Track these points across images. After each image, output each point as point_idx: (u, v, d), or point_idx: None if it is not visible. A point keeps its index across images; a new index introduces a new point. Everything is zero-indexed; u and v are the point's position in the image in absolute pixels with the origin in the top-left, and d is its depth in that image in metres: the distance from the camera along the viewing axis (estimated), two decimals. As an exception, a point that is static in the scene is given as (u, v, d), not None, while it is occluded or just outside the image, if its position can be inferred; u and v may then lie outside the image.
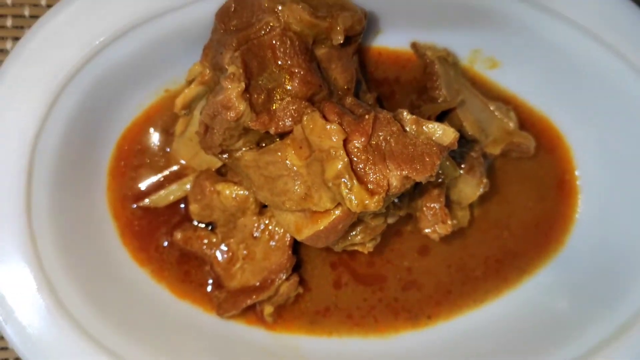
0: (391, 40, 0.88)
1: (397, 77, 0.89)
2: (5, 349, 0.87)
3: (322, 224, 0.70)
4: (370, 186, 0.65)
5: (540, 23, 0.84)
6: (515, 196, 0.93)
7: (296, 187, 0.70)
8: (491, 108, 0.87)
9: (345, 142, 0.65)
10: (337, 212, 0.69)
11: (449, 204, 0.82)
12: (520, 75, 0.90)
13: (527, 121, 0.91)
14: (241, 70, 0.67)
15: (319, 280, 0.89)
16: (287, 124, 0.69)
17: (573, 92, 0.89)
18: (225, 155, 0.74)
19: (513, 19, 0.84)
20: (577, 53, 0.85)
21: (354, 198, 0.64)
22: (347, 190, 0.64)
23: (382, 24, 0.87)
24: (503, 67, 0.90)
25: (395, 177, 0.65)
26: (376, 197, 0.65)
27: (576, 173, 0.92)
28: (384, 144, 0.67)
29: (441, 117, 0.84)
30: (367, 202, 0.64)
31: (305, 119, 0.66)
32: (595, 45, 0.84)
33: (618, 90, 0.85)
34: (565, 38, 0.84)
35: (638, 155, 0.87)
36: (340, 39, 0.72)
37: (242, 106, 0.66)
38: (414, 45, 0.88)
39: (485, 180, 0.82)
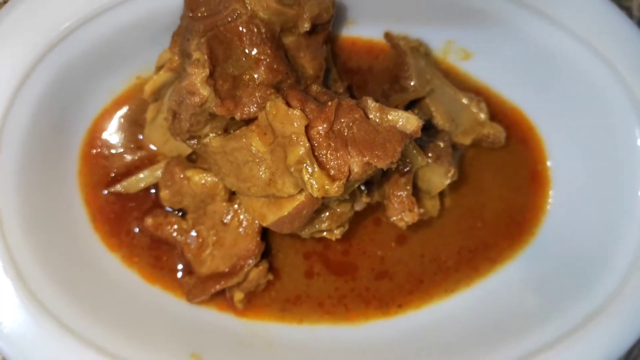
0: (365, 30, 0.89)
1: (370, 67, 0.90)
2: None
3: (286, 209, 0.70)
4: (331, 172, 0.66)
5: (514, 15, 0.85)
6: (489, 186, 0.93)
7: (261, 173, 0.70)
8: (462, 99, 0.88)
9: (307, 128, 0.66)
10: (301, 197, 0.69)
11: (417, 193, 0.83)
12: (493, 66, 0.91)
13: (500, 112, 0.92)
14: (206, 57, 0.68)
15: (290, 269, 0.90)
16: (252, 110, 0.69)
17: (545, 84, 0.89)
18: (193, 142, 0.75)
19: (487, 11, 0.85)
20: (550, 45, 0.86)
21: (315, 183, 0.65)
22: (308, 176, 0.65)
23: (355, 13, 0.87)
24: (476, 58, 0.91)
25: (356, 163, 0.66)
26: (337, 182, 0.65)
27: (548, 164, 0.93)
28: (346, 131, 0.67)
29: (411, 106, 0.84)
30: (327, 187, 0.65)
31: (268, 104, 0.67)
32: (567, 37, 0.84)
33: (589, 82, 0.86)
34: (538, 31, 0.85)
35: (609, 146, 0.88)
36: (307, 26, 0.73)
37: (205, 91, 0.67)
38: (387, 36, 0.88)
39: (453, 170, 0.82)
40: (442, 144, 0.83)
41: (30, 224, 0.78)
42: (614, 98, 0.85)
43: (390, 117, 0.69)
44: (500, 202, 0.93)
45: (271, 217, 0.72)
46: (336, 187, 0.65)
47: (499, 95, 0.93)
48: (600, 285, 0.85)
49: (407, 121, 0.69)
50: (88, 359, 0.76)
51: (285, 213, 0.71)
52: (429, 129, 0.84)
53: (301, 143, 0.65)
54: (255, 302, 0.88)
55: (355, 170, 0.66)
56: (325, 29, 0.78)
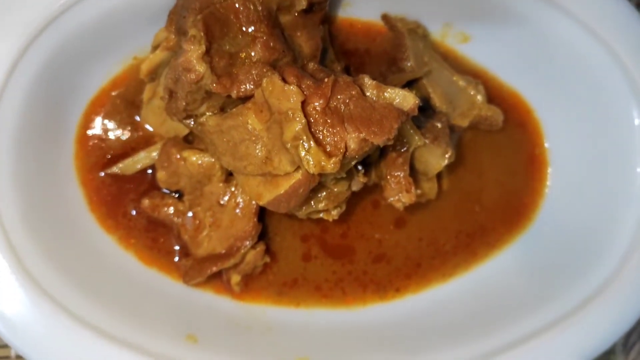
0: (363, 12, 0.89)
1: (368, 49, 0.89)
2: None
3: (283, 187, 0.70)
4: (328, 148, 0.66)
5: (512, -1, 0.84)
6: (487, 170, 0.93)
7: (257, 151, 0.70)
8: (460, 81, 0.87)
9: (304, 105, 0.66)
10: (297, 175, 0.69)
11: (414, 174, 0.83)
12: (491, 50, 0.91)
13: (497, 96, 0.92)
14: (202, 33, 0.67)
15: (287, 253, 0.90)
16: (248, 87, 0.69)
17: (543, 67, 0.89)
18: (190, 121, 0.75)
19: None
20: (548, 28, 0.85)
21: (312, 159, 0.65)
22: (304, 152, 0.65)
23: (352, -5, 0.87)
24: (474, 41, 0.91)
25: (353, 140, 0.66)
26: (333, 158, 0.65)
27: (546, 147, 0.93)
28: (342, 107, 0.67)
29: (409, 87, 0.84)
30: (324, 163, 0.65)
31: (264, 81, 0.67)
32: (565, 20, 0.84)
33: (587, 65, 0.86)
34: (536, 14, 0.85)
35: (607, 128, 0.87)
36: (303, 3, 0.72)
37: (201, 68, 0.67)
38: (385, 17, 0.88)
39: (450, 151, 0.82)
40: (439, 125, 0.82)
41: (26, 206, 0.78)
42: (612, 80, 0.85)
43: (387, 95, 0.69)
44: (498, 186, 0.93)
45: (268, 196, 0.72)
46: (332, 164, 0.65)
47: (497, 79, 0.92)
48: (599, 267, 0.85)
49: (404, 99, 0.68)
50: (85, 339, 0.76)
51: (282, 191, 0.70)
52: (426, 110, 0.83)
53: (297, 119, 0.65)
54: (252, 285, 0.88)
55: (352, 146, 0.66)
56: (322, 9, 0.78)
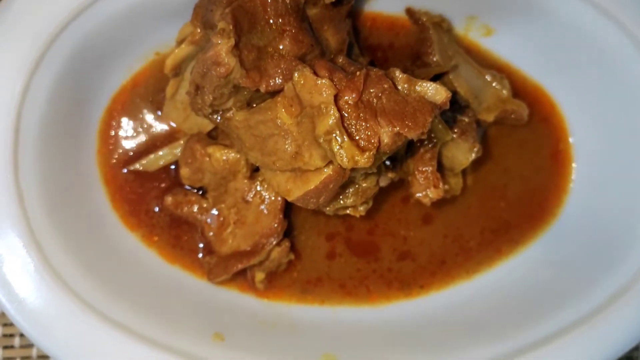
0: (386, 5, 0.87)
1: (391, 43, 0.88)
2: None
3: (313, 183, 0.69)
4: (361, 142, 0.65)
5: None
6: (512, 165, 0.92)
7: (287, 146, 0.69)
8: (485, 75, 0.86)
9: (336, 98, 0.65)
10: (328, 170, 0.68)
11: (441, 170, 0.82)
12: (515, 43, 0.89)
13: (521, 90, 0.91)
14: (231, 27, 0.66)
15: (312, 251, 0.89)
16: (277, 81, 0.68)
17: (567, 61, 0.88)
18: (216, 116, 0.74)
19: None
20: (572, 21, 0.84)
21: (345, 154, 0.64)
22: (338, 147, 0.64)
23: (376, -12, 0.86)
24: (497, 34, 0.90)
25: (386, 134, 0.65)
26: (367, 153, 0.64)
27: (570, 142, 0.92)
28: (375, 101, 0.66)
29: (434, 82, 0.83)
30: (357, 158, 0.64)
31: (295, 75, 0.66)
32: (590, 12, 0.83)
33: (612, 58, 0.84)
34: (561, 6, 0.83)
35: (633, 124, 0.86)
36: (332, -3, 0.71)
37: (232, 62, 0.66)
38: (409, 11, 0.87)
39: (477, 146, 0.81)
40: (466, 120, 0.81)
41: (50, 203, 0.77)
42: (638, 74, 0.84)
43: (418, 88, 0.68)
44: (523, 182, 0.92)
45: (297, 192, 0.71)
46: (366, 158, 0.64)
47: (520, 72, 0.91)
48: (625, 264, 0.84)
49: (436, 92, 0.68)
50: (111, 338, 0.75)
51: (312, 187, 0.69)
52: (453, 104, 0.82)
53: (331, 113, 0.64)
54: (276, 282, 0.87)
55: (385, 140, 0.65)
56: (350, 2, 0.77)
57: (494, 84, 0.87)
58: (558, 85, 0.91)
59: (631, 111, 0.86)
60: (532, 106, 0.90)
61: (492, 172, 0.92)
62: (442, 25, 0.86)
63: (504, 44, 0.90)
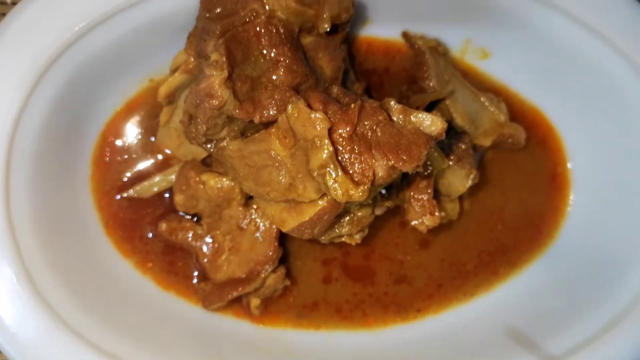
0: (382, 30, 0.87)
1: (387, 68, 0.88)
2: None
3: (307, 214, 0.69)
4: (355, 176, 0.64)
5: (532, 13, 0.83)
6: (509, 189, 0.92)
7: (281, 177, 0.68)
8: (482, 99, 0.86)
9: (330, 131, 0.64)
10: (322, 202, 0.67)
11: (437, 196, 0.81)
12: (512, 66, 0.89)
13: (518, 113, 0.90)
14: (224, 58, 0.66)
15: (308, 276, 0.88)
16: (271, 113, 0.67)
17: (564, 84, 0.88)
18: (210, 145, 0.73)
19: (505, 9, 0.83)
20: (569, 44, 0.84)
21: (339, 188, 0.63)
22: (332, 181, 0.63)
23: (372, 13, 0.85)
24: (494, 57, 0.89)
25: (381, 167, 0.64)
26: (361, 187, 0.63)
27: (568, 166, 0.91)
28: (370, 134, 0.65)
29: (431, 108, 0.83)
30: (352, 192, 0.63)
31: (289, 107, 0.65)
32: (587, 36, 0.83)
33: (609, 82, 0.84)
34: (558, 29, 0.83)
35: (629, 147, 0.86)
36: (326, 27, 0.71)
37: (225, 94, 0.65)
38: (405, 35, 0.87)
39: (474, 172, 0.80)
40: (463, 146, 0.81)
41: (42, 229, 0.77)
42: (635, 97, 0.83)
43: (414, 119, 0.67)
44: (520, 205, 0.92)
45: (291, 223, 0.70)
46: (360, 192, 0.63)
47: (518, 95, 0.91)
48: (623, 288, 0.83)
49: (432, 123, 0.67)
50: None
51: (307, 218, 0.69)
52: (449, 131, 0.81)
53: (324, 147, 0.63)
54: (271, 308, 0.87)
55: (380, 174, 0.64)
56: (344, 29, 0.76)
57: (491, 108, 0.86)
58: (555, 108, 0.90)
59: (629, 134, 0.86)
60: (530, 129, 0.90)
61: (490, 195, 0.91)
62: (438, 49, 0.86)
63: (500, 67, 0.90)
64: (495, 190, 0.91)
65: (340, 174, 0.63)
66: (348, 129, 0.64)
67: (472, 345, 0.86)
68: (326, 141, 0.63)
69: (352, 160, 0.64)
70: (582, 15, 0.82)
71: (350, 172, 0.64)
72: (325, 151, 0.63)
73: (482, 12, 0.84)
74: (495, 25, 0.85)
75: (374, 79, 0.87)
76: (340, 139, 0.64)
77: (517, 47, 0.87)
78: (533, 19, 0.83)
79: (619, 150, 0.87)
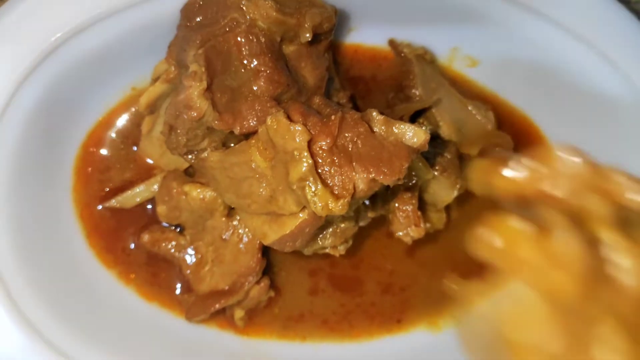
0: (368, 37, 0.86)
1: (374, 75, 0.87)
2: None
3: (288, 227, 0.68)
4: (335, 189, 0.63)
5: (521, 21, 0.82)
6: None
7: (261, 190, 0.67)
8: (469, 107, 0.85)
9: (310, 144, 0.63)
10: (303, 215, 0.66)
11: (423, 206, 0.80)
12: (500, 73, 0.88)
13: (507, 120, 0.89)
14: (203, 69, 0.65)
15: (293, 287, 0.87)
16: (251, 123, 0.67)
17: (554, 92, 0.87)
18: (191, 156, 0.72)
19: (493, 16, 0.82)
20: (558, 52, 0.83)
21: (319, 201, 0.62)
22: (311, 194, 0.62)
23: (357, 21, 0.84)
24: (482, 65, 0.88)
25: (361, 180, 0.63)
26: (341, 200, 0.62)
27: (557, 174, 0.90)
28: (350, 146, 0.64)
29: (417, 116, 0.82)
30: (332, 205, 0.62)
31: (269, 119, 0.64)
32: (576, 44, 0.82)
33: (600, 90, 0.83)
34: (547, 36, 0.82)
35: (620, 155, 0.84)
36: (308, 36, 0.70)
37: (203, 105, 0.64)
38: (392, 43, 0.86)
39: (460, 182, 0.79)
40: (448, 156, 0.80)
41: (22, 241, 0.75)
42: (626, 105, 0.82)
43: (396, 130, 0.66)
44: (509, 213, 0.90)
45: (273, 236, 0.69)
46: (340, 205, 0.62)
47: (506, 103, 0.90)
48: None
49: (415, 134, 0.66)
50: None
51: (287, 231, 0.68)
52: (435, 140, 0.81)
53: (304, 159, 0.62)
54: (256, 319, 0.85)
55: (361, 187, 0.63)
56: (327, 38, 0.75)
57: (478, 117, 0.85)
58: (545, 117, 0.89)
59: (619, 142, 0.84)
60: (519, 137, 0.89)
61: (477, 204, 0.90)
62: (425, 57, 0.85)
63: (489, 75, 0.89)
64: (483, 200, 0.90)
65: (319, 187, 0.62)
66: (328, 141, 0.63)
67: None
68: (305, 153, 0.62)
69: (332, 172, 0.63)
70: (571, 23, 0.81)
71: (330, 184, 0.63)
72: (305, 164, 0.62)
73: (470, 20, 0.83)
74: (482, 33, 0.85)
75: (360, 86, 0.86)
76: (320, 151, 0.63)
77: (506, 55, 0.86)
78: (521, 27, 0.82)
79: (608, 158, 0.86)
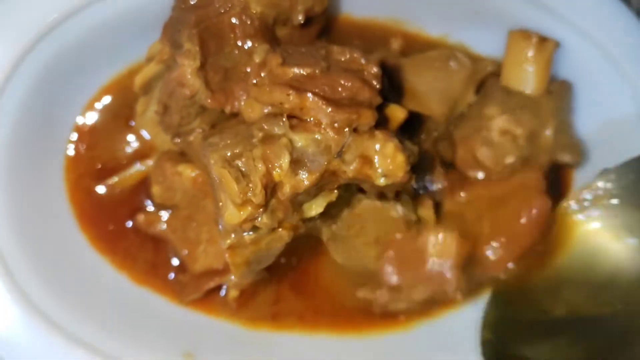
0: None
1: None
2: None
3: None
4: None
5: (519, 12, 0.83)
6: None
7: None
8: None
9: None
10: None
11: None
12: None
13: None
14: (197, 48, 0.66)
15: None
16: (242, 104, 0.68)
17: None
18: (178, 139, 0.73)
19: (499, 12, 0.84)
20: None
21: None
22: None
23: (350, 4, 0.86)
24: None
25: None
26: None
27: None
28: None
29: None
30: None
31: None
32: (575, 37, 0.83)
33: (599, 87, 0.85)
34: (543, 27, 0.83)
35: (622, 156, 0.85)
36: (300, 19, 0.72)
37: (196, 83, 0.66)
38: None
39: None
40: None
41: (17, 223, 0.77)
42: (626, 107, 0.84)
43: None
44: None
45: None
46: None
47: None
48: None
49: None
50: (77, 357, 0.75)
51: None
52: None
53: None
54: (251, 300, 0.86)
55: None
56: (319, 22, 0.77)
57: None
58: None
59: (619, 144, 0.85)
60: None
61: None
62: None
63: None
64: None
65: None
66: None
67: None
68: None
69: None
70: (576, 19, 0.82)
71: None
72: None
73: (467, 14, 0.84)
74: (475, 20, 0.86)
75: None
76: None
77: (498, 44, 0.87)
78: (518, 18, 0.83)
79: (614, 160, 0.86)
